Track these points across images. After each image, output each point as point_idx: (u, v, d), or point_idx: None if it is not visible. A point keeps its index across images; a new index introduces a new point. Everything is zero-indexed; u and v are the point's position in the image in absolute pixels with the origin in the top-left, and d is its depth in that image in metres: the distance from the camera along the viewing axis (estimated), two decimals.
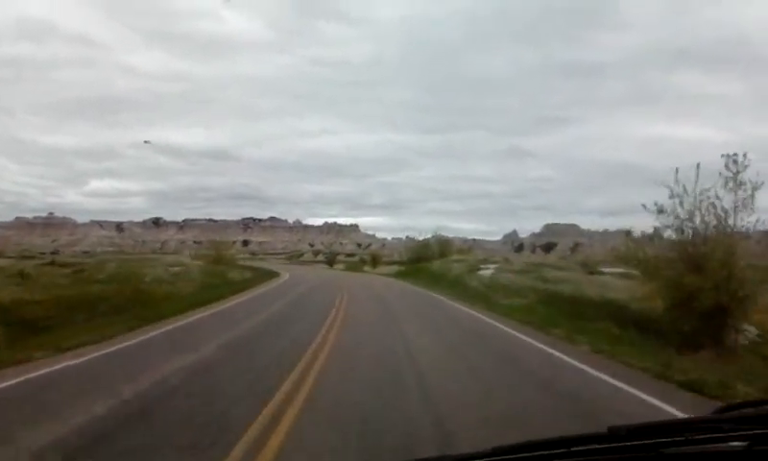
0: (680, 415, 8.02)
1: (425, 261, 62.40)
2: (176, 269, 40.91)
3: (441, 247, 65.71)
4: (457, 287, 37.32)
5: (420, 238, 69.28)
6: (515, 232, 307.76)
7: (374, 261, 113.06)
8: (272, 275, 59.77)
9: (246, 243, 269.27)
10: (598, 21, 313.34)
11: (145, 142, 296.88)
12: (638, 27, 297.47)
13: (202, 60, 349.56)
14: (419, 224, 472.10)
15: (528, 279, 36.05)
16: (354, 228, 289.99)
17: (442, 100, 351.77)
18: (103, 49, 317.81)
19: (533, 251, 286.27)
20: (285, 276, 61.76)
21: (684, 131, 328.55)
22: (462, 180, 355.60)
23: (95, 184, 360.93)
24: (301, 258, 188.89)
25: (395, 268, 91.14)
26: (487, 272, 42.51)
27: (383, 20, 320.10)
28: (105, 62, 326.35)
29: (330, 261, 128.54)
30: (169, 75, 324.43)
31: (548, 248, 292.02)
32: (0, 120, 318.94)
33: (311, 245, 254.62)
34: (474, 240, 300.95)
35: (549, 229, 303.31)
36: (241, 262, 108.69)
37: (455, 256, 58.10)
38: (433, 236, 68.12)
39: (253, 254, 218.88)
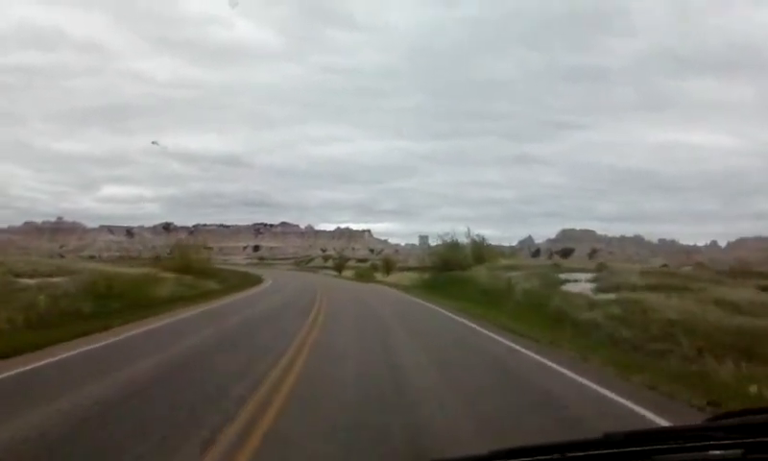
0: None
1: (458, 269, 43.25)
2: (28, 282, 21.92)
3: (477, 250, 46.34)
4: (549, 321, 18.14)
5: (443, 240, 49.30)
6: (530, 238, 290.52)
7: (388, 268, 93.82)
8: (240, 287, 41.01)
9: (257, 248, 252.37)
10: (606, 26, 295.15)
11: (153, 143, 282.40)
12: (647, 32, 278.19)
13: (213, 67, 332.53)
14: (430, 230, 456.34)
15: (699, 305, 16.71)
16: (366, 233, 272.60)
17: (451, 106, 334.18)
18: (113, 56, 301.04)
19: (549, 256, 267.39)
20: (262, 286, 43.14)
21: (693, 137, 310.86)
22: (472, 185, 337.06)
23: (108, 190, 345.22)
24: (310, 264, 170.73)
25: (412, 276, 72.43)
26: (582, 287, 23.06)
27: (392, 27, 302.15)
28: (115, 69, 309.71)
29: (339, 267, 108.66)
30: (180, 81, 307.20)
31: (565, 253, 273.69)
32: (12, 127, 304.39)
33: (323, 250, 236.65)
34: (490, 246, 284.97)
35: (565, 234, 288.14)
36: (230, 267, 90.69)
37: (505, 261, 39.00)
38: (467, 236, 48.34)
39: (261, 259, 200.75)
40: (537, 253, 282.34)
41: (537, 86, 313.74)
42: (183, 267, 46.06)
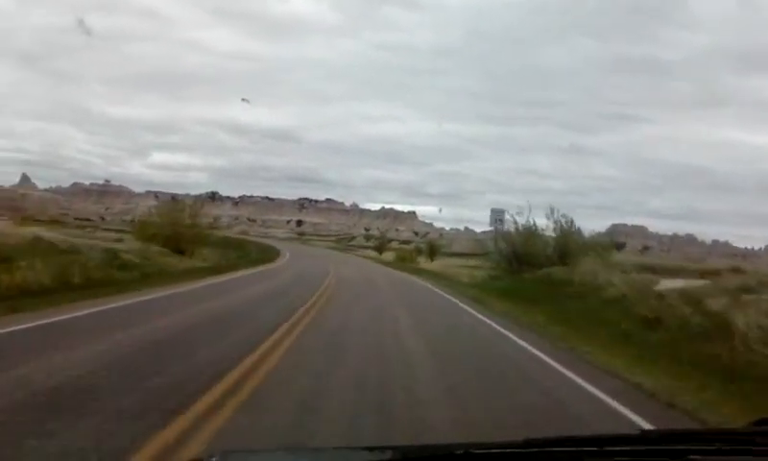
0: None
1: (536, 264, 28.91)
2: None
3: (565, 240, 31.43)
4: None
5: (515, 222, 33.91)
6: (579, 230, 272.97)
7: (432, 252, 79.93)
8: (228, 269, 27.47)
9: (300, 223, 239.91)
10: (666, 18, 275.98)
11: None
12: (708, 27, 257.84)
13: (268, 41, 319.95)
14: (475, 216, 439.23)
15: None
16: (412, 215, 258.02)
17: (505, 91, 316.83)
18: (171, 24, 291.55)
19: None
20: (261, 268, 29.72)
21: (753, 137, 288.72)
22: (522, 173, 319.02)
23: (157, 157, 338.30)
24: (351, 243, 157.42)
25: (459, 263, 58.67)
26: None
27: (449, 7, 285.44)
28: (172, 38, 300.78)
29: (380, 248, 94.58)
30: (237, 53, 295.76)
31: (617, 248, 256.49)
32: (69, 89, 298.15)
33: (366, 229, 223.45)
34: None
35: (615, 229, 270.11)
36: (256, 240, 78.96)
37: (625, 255, 24.50)
38: (552, 219, 32.51)
39: (301, 234, 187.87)
40: None
41: (594, 76, 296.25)
42: (170, 236, 33.16)
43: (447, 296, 23.78)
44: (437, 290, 27.03)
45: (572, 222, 33.43)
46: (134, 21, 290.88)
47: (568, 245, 31.13)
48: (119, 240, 30.97)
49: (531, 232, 33.02)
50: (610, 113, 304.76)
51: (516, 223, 33.81)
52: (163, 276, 21.05)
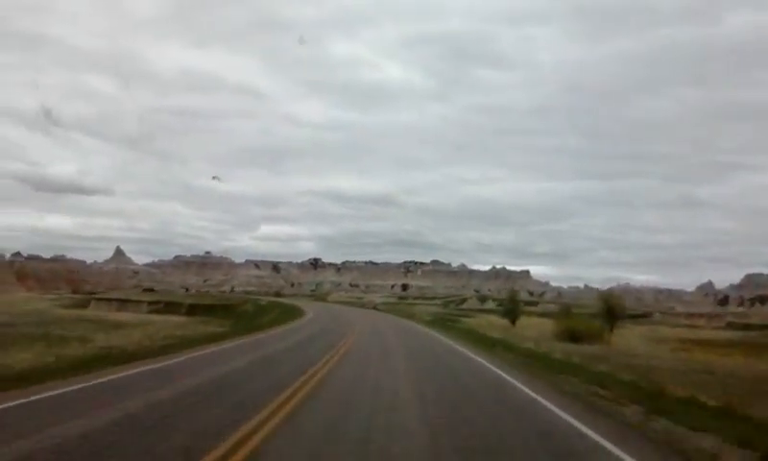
0: None
1: None
2: None
3: None
4: None
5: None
6: (710, 283, 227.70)
7: (611, 317, 43.08)
8: None
9: (405, 287, 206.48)
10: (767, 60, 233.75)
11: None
12: None
13: (363, 110, 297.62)
14: (589, 274, 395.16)
15: None
16: (525, 274, 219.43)
17: (605, 146, 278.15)
18: (268, 100, 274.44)
19: (740, 304, 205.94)
20: None
21: None
22: (631, 229, 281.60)
23: (265, 229, 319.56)
24: (463, 305, 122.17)
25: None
26: None
27: (541, 65, 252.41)
28: (270, 113, 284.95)
29: (512, 314, 56.59)
30: (332, 124, 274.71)
31: (762, 300, 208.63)
32: (174, 168, 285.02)
33: (476, 291, 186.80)
34: (670, 291, 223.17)
35: (751, 279, 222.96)
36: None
37: None
38: None
39: (402, 298, 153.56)
40: (725, 300, 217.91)
41: (696, 125, 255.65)
42: None
43: None
44: None
45: None
46: (232, 100, 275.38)
47: None
48: None
49: None
50: (716, 163, 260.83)
51: None
52: None
